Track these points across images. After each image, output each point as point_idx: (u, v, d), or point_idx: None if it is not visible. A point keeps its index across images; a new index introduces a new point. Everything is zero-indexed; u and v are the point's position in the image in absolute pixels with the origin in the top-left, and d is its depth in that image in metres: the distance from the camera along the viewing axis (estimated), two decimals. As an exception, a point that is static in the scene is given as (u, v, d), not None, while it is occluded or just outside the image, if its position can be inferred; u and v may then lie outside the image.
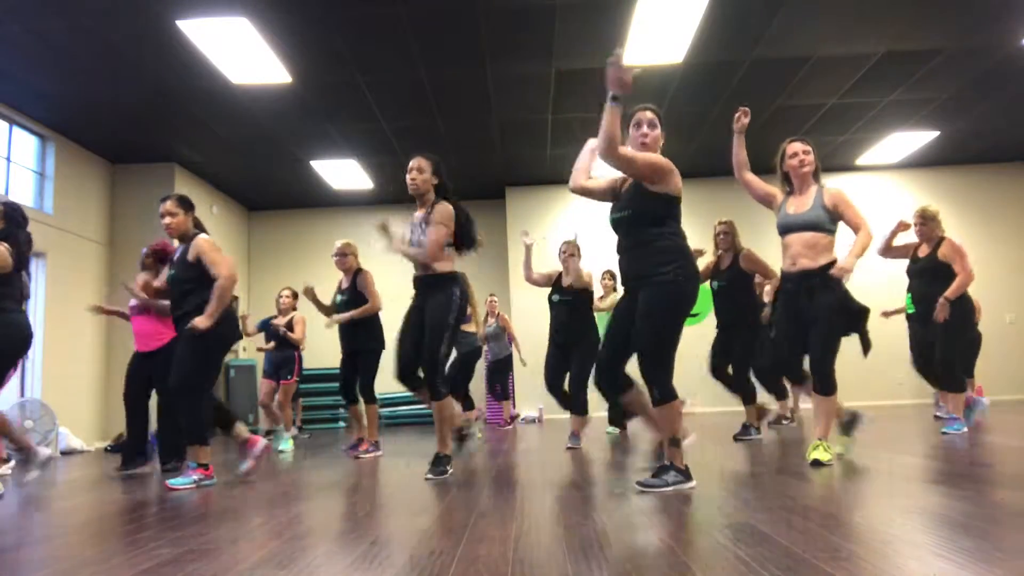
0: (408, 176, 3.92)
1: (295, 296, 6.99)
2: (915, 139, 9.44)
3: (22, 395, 7.49)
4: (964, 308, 5.13)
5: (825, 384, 3.70)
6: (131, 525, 2.81)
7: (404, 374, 3.94)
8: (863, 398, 5.91)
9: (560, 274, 5.56)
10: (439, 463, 3.84)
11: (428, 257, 3.82)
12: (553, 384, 5.44)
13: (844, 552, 1.85)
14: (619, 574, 1.76)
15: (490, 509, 2.78)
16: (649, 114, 3.22)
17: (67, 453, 7.42)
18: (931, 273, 5.18)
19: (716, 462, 4.06)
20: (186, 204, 4.05)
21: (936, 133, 9.23)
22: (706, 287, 5.63)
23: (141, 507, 3.33)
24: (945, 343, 5.10)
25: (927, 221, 5.27)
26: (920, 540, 1.97)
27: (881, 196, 10.38)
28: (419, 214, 3.96)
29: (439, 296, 3.83)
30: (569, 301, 5.43)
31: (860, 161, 10.21)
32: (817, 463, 3.54)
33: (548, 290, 5.62)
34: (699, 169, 10.22)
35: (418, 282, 3.94)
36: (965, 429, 4.98)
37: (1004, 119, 8.85)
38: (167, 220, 3.98)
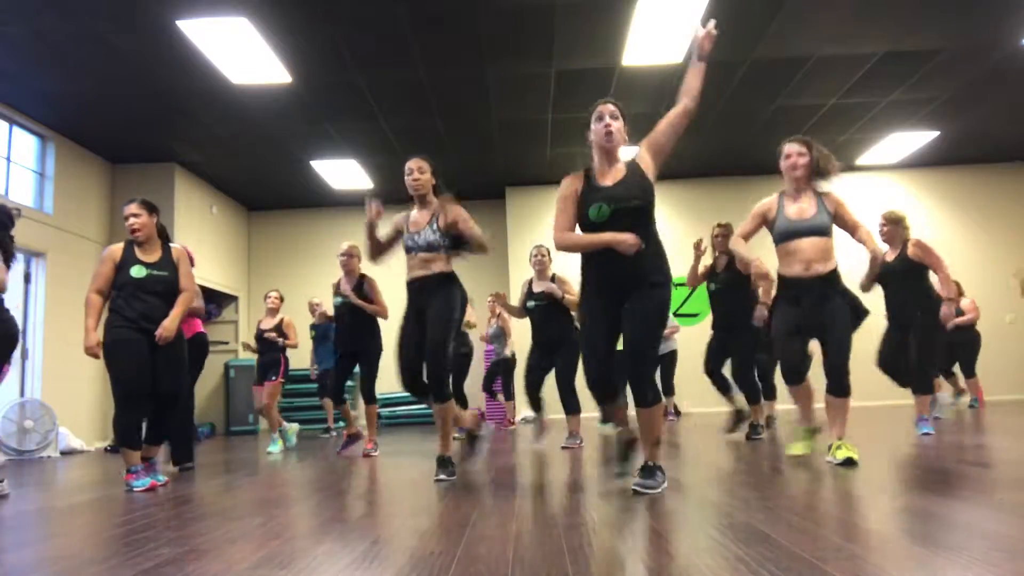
0: (410, 177, 3.86)
1: (282, 299, 7.09)
2: (915, 139, 9.44)
3: (22, 395, 7.49)
4: (937, 308, 5.12)
5: (845, 386, 3.69)
6: (131, 525, 2.81)
7: (411, 382, 3.80)
8: (871, 398, 5.90)
9: (531, 281, 5.63)
10: (447, 464, 3.78)
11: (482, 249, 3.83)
12: (537, 384, 5.59)
13: (844, 552, 1.85)
14: (618, 574, 1.76)
15: (490, 509, 2.78)
16: (611, 107, 3.12)
17: (67, 453, 7.41)
18: (904, 274, 5.16)
19: (715, 462, 4.06)
20: (150, 207, 4.19)
21: (936, 133, 9.23)
22: (703, 289, 5.64)
23: (141, 507, 3.33)
24: (927, 345, 5.14)
25: (892, 224, 5.23)
26: (920, 540, 1.97)
27: (881, 196, 10.38)
28: (419, 214, 3.90)
29: (443, 295, 3.75)
30: (544, 305, 5.48)
31: (860, 161, 10.21)
32: (850, 461, 3.51)
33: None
34: (699, 169, 10.23)
35: (419, 283, 3.80)
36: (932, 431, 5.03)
37: (1004, 119, 8.86)
38: (132, 221, 4.09)
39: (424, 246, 3.79)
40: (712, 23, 3.20)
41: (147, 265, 4.06)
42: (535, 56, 6.74)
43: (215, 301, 10.83)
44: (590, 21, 6.12)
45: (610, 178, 3.09)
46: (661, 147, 3.17)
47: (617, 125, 3.09)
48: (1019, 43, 6.82)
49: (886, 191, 10.45)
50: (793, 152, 3.81)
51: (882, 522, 2.24)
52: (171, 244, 4.29)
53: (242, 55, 6.36)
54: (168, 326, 4.02)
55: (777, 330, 3.88)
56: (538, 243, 5.79)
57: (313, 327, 8.00)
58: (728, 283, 5.36)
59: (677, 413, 8.53)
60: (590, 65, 6.92)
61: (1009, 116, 8.76)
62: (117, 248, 4.14)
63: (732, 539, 2.05)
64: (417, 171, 3.87)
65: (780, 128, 8.66)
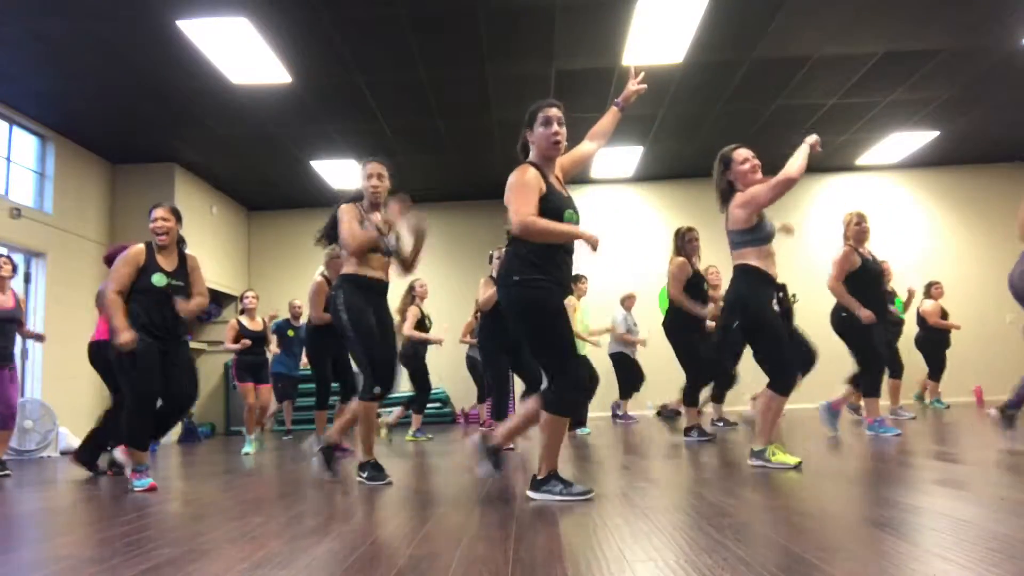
0: (371, 183, 3.76)
1: (258, 297, 7.25)
2: (915, 139, 9.44)
3: (22, 395, 7.48)
4: None
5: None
6: (131, 525, 2.81)
7: (391, 383, 3.81)
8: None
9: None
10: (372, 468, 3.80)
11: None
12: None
13: (844, 552, 1.85)
14: (618, 574, 1.76)
15: (490, 510, 2.78)
16: (560, 112, 2.98)
17: (67, 453, 7.40)
18: (880, 275, 5.28)
19: (714, 462, 4.06)
20: (178, 215, 4.26)
21: (936, 133, 9.23)
22: (664, 291, 5.66)
23: (141, 507, 3.33)
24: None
25: (866, 222, 5.24)
26: (920, 540, 1.97)
27: (881, 196, 10.39)
28: (378, 217, 3.81)
29: (386, 301, 3.90)
30: None
31: (860, 161, 10.21)
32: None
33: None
34: (699, 169, 10.19)
35: (381, 285, 3.83)
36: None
37: (1004, 119, 8.86)
38: (160, 224, 4.13)
39: (395, 251, 3.77)
40: (642, 75, 3.34)
41: (167, 274, 4.10)
42: (535, 56, 6.74)
43: (215, 301, 10.81)
44: (590, 21, 6.13)
45: (561, 187, 3.04)
46: (567, 175, 3.17)
47: (564, 133, 3.00)
48: (1019, 43, 6.82)
49: (886, 191, 10.46)
50: (751, 155, 3.71)
51: (882, 522, 2.23)
52: (185, 252, 4.31)
53: (242, 55, 6.36)
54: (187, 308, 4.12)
55: (780, 325, 3.80)
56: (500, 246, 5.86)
57: (293, 328, 8.09)
58: (701, 283, 5.44)
59: (677, 413, 8.52)
60: (590, 65, 6.92)
61: (1009, 116, 8.76)
62: (140, 251, 4.12)
63: (732, 539, 2.05)
64: (377, 177, 3.79)
65: (780, 128, 8.68)
